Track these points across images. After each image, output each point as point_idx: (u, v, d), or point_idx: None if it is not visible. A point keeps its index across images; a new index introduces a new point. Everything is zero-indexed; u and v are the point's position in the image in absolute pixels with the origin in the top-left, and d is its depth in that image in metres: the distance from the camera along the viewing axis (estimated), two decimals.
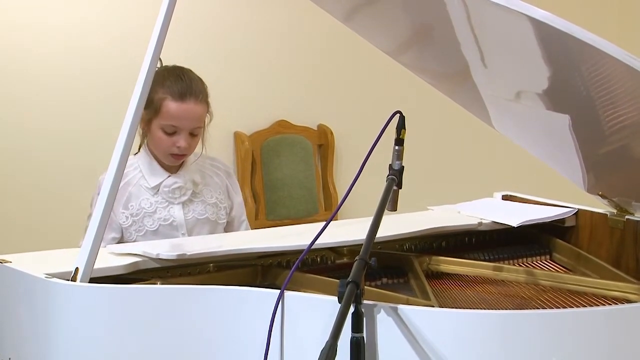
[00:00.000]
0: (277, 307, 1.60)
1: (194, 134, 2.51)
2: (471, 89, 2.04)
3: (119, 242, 2.50)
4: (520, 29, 1.59)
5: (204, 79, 2.55)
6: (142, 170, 2.54)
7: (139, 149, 2.57)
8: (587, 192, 2.22)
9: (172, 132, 2.48)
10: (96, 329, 1.80)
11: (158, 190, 2.52)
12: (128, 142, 1.90)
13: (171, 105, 2.45)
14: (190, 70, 2.54)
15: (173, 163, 2.54)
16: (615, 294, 1.97)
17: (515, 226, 2.27)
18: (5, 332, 2.05)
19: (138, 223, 2.50)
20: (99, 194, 2.50)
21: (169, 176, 2.54)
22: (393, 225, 2.19)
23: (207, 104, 2.53)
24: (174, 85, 2.46)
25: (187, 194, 2.54)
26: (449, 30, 1.79)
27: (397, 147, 1.85)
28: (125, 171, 2.49)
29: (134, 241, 2.49)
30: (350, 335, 1.44)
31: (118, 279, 1.96)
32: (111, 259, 2.03)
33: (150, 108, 2.45)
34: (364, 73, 4.65)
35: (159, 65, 2.51)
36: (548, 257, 2.30)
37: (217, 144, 4.16)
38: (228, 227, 2.67)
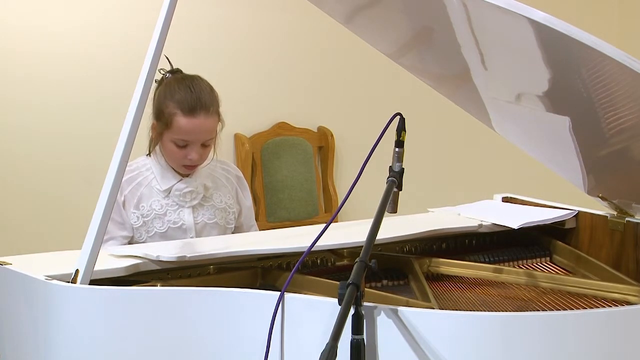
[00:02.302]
0: (277, 309, 1.60)
1: (206, 145, 2.51)
2: (471, 90, 2.04)
3: (130, 242, 2.51)
4: (521, 31, 1.59)
5: None
6: (154, 173, 2.54)
7: (149, 152, 2.57)
8: (587, 194, 2.22)
9: (183, 145, 2.47)
10: (96, 331, 1.80)
11: (169, 193, 2.53)
12: (128, 145, 1.90)
13: (182, 121, 2.44)
14: (201, 79, 2.51)
15: (186, 172, 2.55)
16: (616, 296, 1.97)
17: (516, 228, 2.27)
18: (5, 333, 2.05)
19: (148, 224, 2.50)
20: None
21: (180, 180, 2.54)
22: (393, 227, 2.19)
23: (218, 114, 2.51)
24: (183, 99, 2.44)
25: (198, 198, 2.54)
26: (449, 32, 1.79)
27: (397, 149, 1.85)
28: (137, 171, 2.51)
29: (144, 242, 2.50)
30: (350, 337, 1.44)
31: (118, 281, 1.96)
32: (111, 261, 2.03)
33: (162, 121, 2.46)
34: (365, 75, 4.65)
35: (168, 69, 2.52)
36: (548, 259, 2.30)
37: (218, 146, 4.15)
38: (236, 232, 2.67)
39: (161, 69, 2.49)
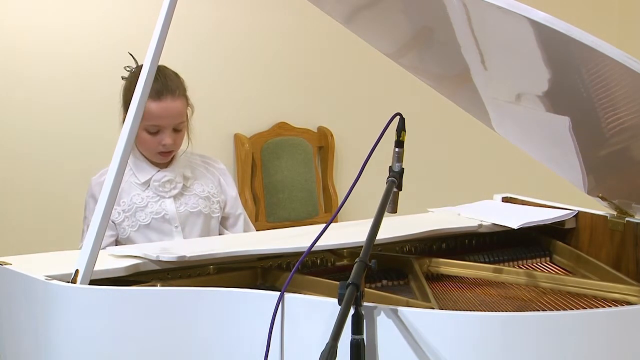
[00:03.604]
0: (277, 309, 1.60)
1: (178, 129, 2.54)
2: (471, 91, 2.04)
3: (116, 239, 2.51)
4: (521, 31, 1.59)
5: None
6: (132, 168, 2.56)
7: None
8: (587, 194, 2.22)
9: (155, 132, 2.51)
10: (96, 331, 1.80)
11: (148, 185, 2.55)
12: (128, 145, 1.90)
13: (150, 106, 2.46)
14: (165, 67, 2.55)
15: (162, 161, 2.57)
16: (616, 296, 1.97)
17: (516, 228, 2.27)
18: (5, 333, 2.05)
19: (130, 218, 2.52)
20: (91, 195, 2.53)
21: (158, 171, 2.57)
22: (393, 228, 2.19)
23: (186, 97, 2.55)
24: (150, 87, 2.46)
25: (178, 187, 2.56)
26: (449, 32, 1.79)
27: (397, 149, 1.85)
28: None
29: (128, 237, 2.51)
30: (350, 337, 1.44)
31: (118, 281, 1.96)
32: (111, 261, 2.03)
33: None
34: (364, 75, 4.65)
35: (134, 66, 2.54)
36: (548, 259, 2.30)
37: (218, 146, 4.18)
38: (225, 222, 2.68)
39: (127, 66, 2.52)
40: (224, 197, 2.67)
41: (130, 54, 2.48)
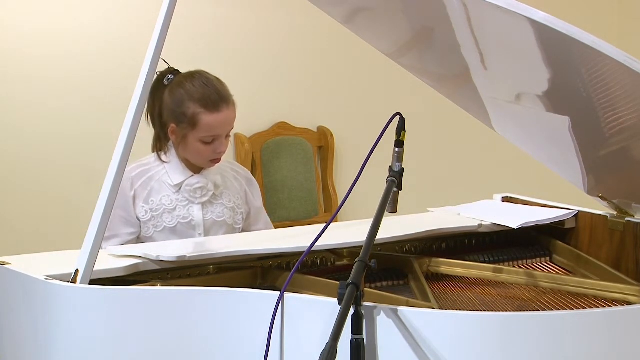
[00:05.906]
0: (277, 308, 1.60)
1: (229, 134, 2.55)
2: (471, 90, 2.04)
3: (137, 237, 2.51)
4: (521, 31, 1.59)
5: None
6: (166, 168, 2.55)
7: (164, 152, 2.57)
8: (587, 194, 2.22)
9: (211, 141, 2.50)
10: (96, 331, 1.80)
11: (180, 188, 2.54)
12: (128, 145, 1.90)
13: (208, 119, 2.46)
14: (207, 73, 2.53)
15: (211, 166, 2.57)
16: (616, 296, 1.97)
17: (515, 228, 2.27)
18: (5, 333, 2.05)
19: (157, 219, 2.51)
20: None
21: (192, 175, 2.56)
22: (393, 227, 2.19)
23: (234, 103, 2.54)
24: (204, 97, 2.46)
25: (208, 195, 2.56)
26: (449, 32, 1.79)
27: (397, 149, 1.85)
28: (149, 166, 2.52)
29: (150, 236, 2.51)
30: (350, 337, 1.44)
31: (118, 280, 1.96)
32: (111, 260, 2.03)
33: (185, 123, 2.47)
34: (364, 75, 4.65)
35: (161, 69, 2.52)
36: (548, 259, 2.30)
37: None
38: (248, 229, 2.68)
39: (158, 71, 2.51)
40: (248, 208, 2.67)
41: (163, 60, 2.45)
